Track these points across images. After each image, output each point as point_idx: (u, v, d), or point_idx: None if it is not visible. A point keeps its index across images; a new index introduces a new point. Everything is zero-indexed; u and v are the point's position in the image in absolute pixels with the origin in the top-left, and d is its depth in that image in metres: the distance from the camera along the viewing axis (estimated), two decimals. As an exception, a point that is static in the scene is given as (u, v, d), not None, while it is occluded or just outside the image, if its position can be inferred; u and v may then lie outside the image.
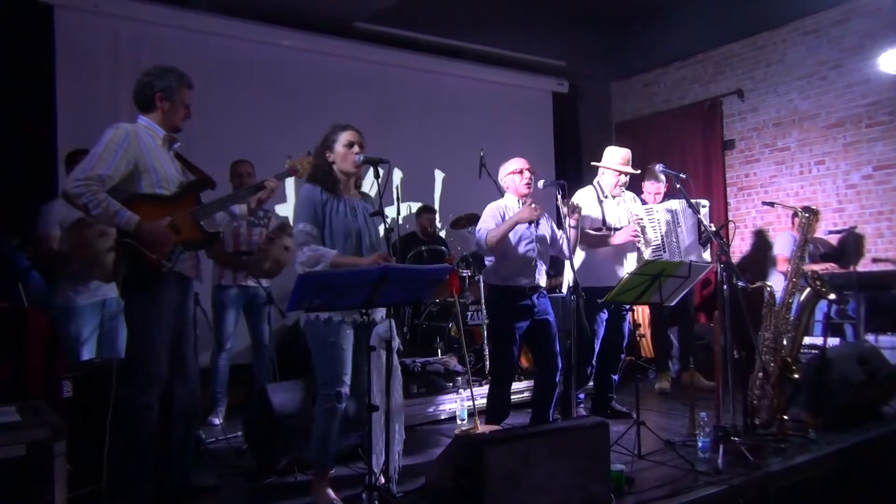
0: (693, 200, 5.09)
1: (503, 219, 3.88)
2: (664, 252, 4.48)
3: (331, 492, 2.97)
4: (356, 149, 3.09)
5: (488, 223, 3.90)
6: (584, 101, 8.59)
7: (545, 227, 4.00)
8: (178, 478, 3.07)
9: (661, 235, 4.50)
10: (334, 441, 2.98)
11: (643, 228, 4.41)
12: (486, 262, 4.05)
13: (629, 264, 4.40)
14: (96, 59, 5.39)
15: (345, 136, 3.11)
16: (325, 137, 3.14)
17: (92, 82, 5.30)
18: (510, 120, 7.76)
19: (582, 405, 4.38)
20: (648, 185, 5.18)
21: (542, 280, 3.96)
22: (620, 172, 4.43)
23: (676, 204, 4.66)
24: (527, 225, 3.86)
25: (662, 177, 5.08)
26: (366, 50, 6.79)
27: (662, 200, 5.01)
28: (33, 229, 4.06)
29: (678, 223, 4.60)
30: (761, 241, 6.98)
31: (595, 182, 4.53)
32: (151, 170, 2.85)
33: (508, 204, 3.99)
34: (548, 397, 3.94)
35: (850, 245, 5.93)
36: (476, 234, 3.97)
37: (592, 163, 4.62)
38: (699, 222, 4.58)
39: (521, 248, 3.87)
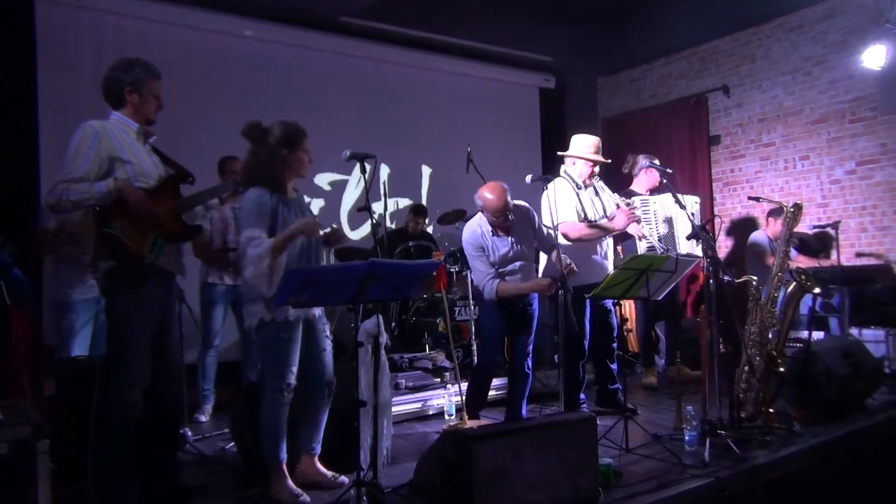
0: (684, 195, 5.12)
1: (486, 251, 3.84)
2: (661, 243, 4.45)
3: (291, 483, 2.97)
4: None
5: (479, 267, 3.83)
6: (571, 96, 8.59)
7: (527, 243, 3.96)
8: (164, 476, 3.04)
9: (657, 228, 4.49)
10: (284, 432, 3.00)
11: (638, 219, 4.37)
12: None
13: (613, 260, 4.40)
14: (79, 53, 5.33)
15: (307, 144, 3.07)
16: (287, 135, 2.99)
17: (74, 77, 5.23)
18: (497, 115, 7.76)
19: (584, 406, 4.33)
20: (641, 177, 5.15)
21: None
22: (594, 162, 4.29)
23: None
24: (510, 248, 3.85)
25: (655, 170, 5.07)
26: (352, 45, 6.76)
27: (652, 194, 4.99)
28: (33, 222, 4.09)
29: (675, 215, 4.60)
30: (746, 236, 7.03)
31: (564, 172, 4.34)
32: (127, 163, 2.82)
33: (484, 227, 3.86)
34: (518, 387, 3.96)
35: (828, 239, 5.99)
36: (479, 286, 3.86)
37: (560, 153, 4.43)
38: (692, 216, 4.60)
39: (508, 269, 3.89)
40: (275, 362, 2.96)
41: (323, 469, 3.18)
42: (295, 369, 3.00)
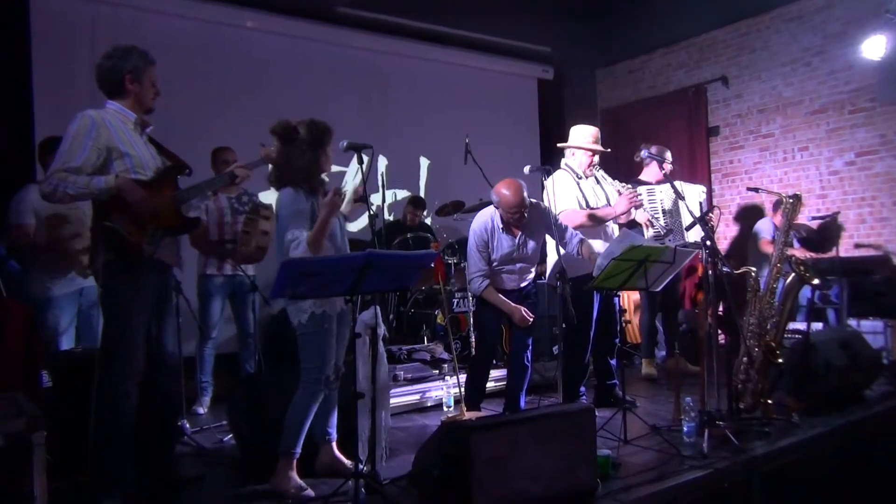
0: (691, 184, 5.12)
1: (490, 247, 3.86)
2: (669, 231, 4.45)
3: (296, 476, 2.95)
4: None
5: (476, 261, 3.87)
6: (570, 87, 8.57)
7: (533, 241, 3.94)
8: (161, 468, 3.03)
9: (665, 216, 4.50)
10: (307, 426, 2.98)
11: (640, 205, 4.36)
12: None
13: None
14: (73, 43, 5.28)
15: (331, 139, 3.06)
16: (317, 134, 2.99)
17: (69, 67, 5.19)
18: (495, 106, 7.73)
19: (584, 397, 4.33)
20: (652, 167, 5.11)
21: (526, 281, 4.02)
22: (594, 152, 4.29)
23: (679, 185, 4.66)
24: (514, 249, 3.87)
25: (669, 156, 5.07)
26: (349, 35, 6.72)
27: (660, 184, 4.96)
28: (7, 218, 3.99)
29: (682, 205, 4.62)
30: (746, 227, 7.02)
31: (564, 165, 4.34)
32: (125, 155, 2.78)
33: (496, 221, 3.87)
34: (516, 379, 3.97)
35: (832, 231, 5.98)
36: (468, 276, 3.93)
37: (559, 144, 4.44)
38: (699, 205, 4.59)
39: (506, 267, 3.93)
40: (318, 354, 2.95)
41: (342, 457, 3.18)
42: (334, 363, 3.00)
